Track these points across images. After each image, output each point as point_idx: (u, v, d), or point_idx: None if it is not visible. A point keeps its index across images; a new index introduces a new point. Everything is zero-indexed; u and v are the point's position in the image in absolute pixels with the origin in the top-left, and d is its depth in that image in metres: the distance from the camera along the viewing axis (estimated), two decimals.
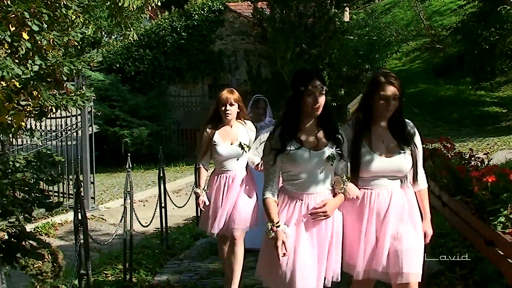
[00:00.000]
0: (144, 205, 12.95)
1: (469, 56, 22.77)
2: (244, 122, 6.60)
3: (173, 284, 7.38)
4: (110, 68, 21.64)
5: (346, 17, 25.22)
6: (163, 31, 22.08)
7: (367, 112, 4.50)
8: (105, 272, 7.90)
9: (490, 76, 22.81)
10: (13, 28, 4.92)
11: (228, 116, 6.39)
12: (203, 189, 6.45)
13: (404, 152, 4.45)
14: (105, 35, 28.33)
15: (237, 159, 6.44)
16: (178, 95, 22.36)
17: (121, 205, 9.06)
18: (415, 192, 4.59)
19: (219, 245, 6.87)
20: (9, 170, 5.18)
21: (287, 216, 4.41)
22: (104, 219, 12.20)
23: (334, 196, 4.45)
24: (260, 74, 20.62)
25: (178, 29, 22.05)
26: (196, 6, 22.32)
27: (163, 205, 9.10)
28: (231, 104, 6.38)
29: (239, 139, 6.43)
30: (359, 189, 4.47)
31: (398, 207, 4.45)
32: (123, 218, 7.32)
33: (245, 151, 6.45)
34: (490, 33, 21.04)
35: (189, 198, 10.26)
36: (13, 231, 5.02)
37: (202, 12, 22.16)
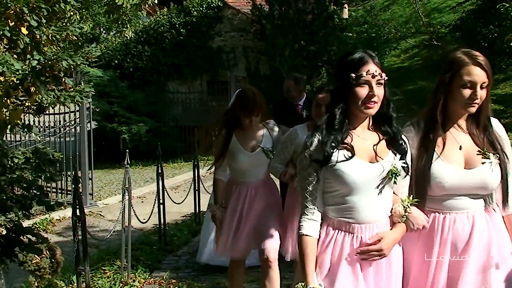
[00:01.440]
0: (142, 202, 12.94)
1: None
2: (265, 123, 5.67)
3: (171, 280, 7.39)
4: (108, 64, 21.60)
5: (345, 14, 25.22)
6: (162, 28, 22.04)
7: (440, 108, 3.38)
8: (103, 268, 7.90)
9: None
10: (12, 23, 4.91)
11: (251, 126, 5.51)
12: (221, 205, 5.57)
13: (490, 162, 3.33)
14: (104, 32, 28.28)
15: (260, 168, 5.60)
16: (176, 92, 22.33)
17: (119, 202, 9.07)
18: (502, 217, 3.47)
19: (231, 270, 5.95)
20: (8, 166, 5.18)
21: (333, 257, 3.22)
22: (102, 216, 12.19)
23: (391, 224, 3.30)
24: (259, 71, 20.59)
25: (177, 26, 22.01)
26: (194, 2, 22.27)
27: (161, 201, 9.09)
28: (257, 115, 5.45)
29: (261, 144, 5.53)
30: (427, 213, 3.36)
31: (482, 237, 3.32)
32: (121, 215, 7.32)
33: (269, 158, 5.52)
34: (489, 31, 21.06)
35: (187, 195, 10.27)
36: (11, 226, 5.02)
37: (201, 8, 22.12)
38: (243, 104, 5.45)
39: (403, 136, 3.33)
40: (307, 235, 3.18)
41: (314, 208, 3.22)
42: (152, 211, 8.87)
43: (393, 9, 35.22)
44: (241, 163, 5.55)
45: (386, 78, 3.18)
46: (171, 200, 9.65)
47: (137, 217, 7.92)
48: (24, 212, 5.22)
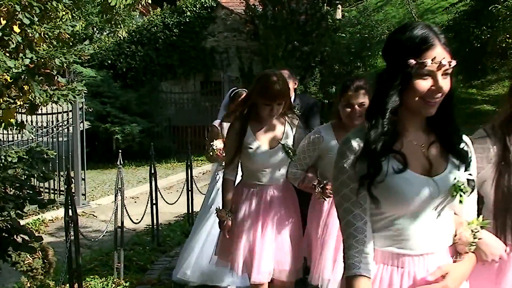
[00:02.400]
0: (135, 202, 12.91)
1: (460, 54, 22.79)
2: (286, 116, 4.88)
3: (164, 281, 7.35)
4: (101, 64, 21.55)
5: (338, 15, 25.19)
6: (155, 28, 22.01)
7: None
8: (96, 268, 7.87)
9: (481, 74, 22.93)
10: (4, 21, 4.88)
11: (272, 116, 4.73)
12: (230, 210, 4.76)
13: None
14: (97, 31, 28.23)
15: (279, 169, 4.78)
16: (169, 92, 22.29)
17: (112, 202, 9.03)
18: None
19: None
20: (1, 165, 5.15)
21: None
22: (95, 216, 12.15)
23: (455, 256, 2.53)
24: (252, 71, 20.56)
25: (170, 26, 21.98)
26: (188, 2, 22.26)
27: (154, 202, 9.06)
28: (279, 104, 4.64)
29: (282, 141, 4.75)
30: (506, 243, 2.73)
31: None
32: (114, 215, 7.29)
33: (291, 158, 4.71)
34: (482, 32, 21.12)
35: (180, 195, 10.24)
36: (5, 225, 4.99)
37: (194, 8, 22.10)
38: (263, 88, 4.59)
39: (465, 139, 2.62)
40: (362, 276, 2.34)
41: (365, 237, 2.37)
42: (145, 212, 8.84)
43: (386, 10, 35.28)
44: (256, 161, 4.74)
45: (455, 64, 2.37)
46: (164, 200, 9.62)
47: (129, 218, 7.89)
48: (17, 211, 5.18)
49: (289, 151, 4.72)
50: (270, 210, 4.76)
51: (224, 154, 6.09)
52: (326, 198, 4.51)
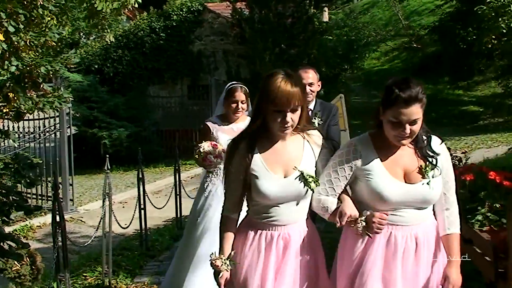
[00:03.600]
0: (123, 207, 12.89)
1: (447, 56, 22.95)
2: (305, 132, 3.70)
3: (153, 285, 7.35)
4: (88, 69, 21.52)
5: (325, 17, 25.31)
6: (142, 32, 22.01)
7: None
8: (84, 274, 7.85)
9: (468, 75, 23.08)
10: None
11: (286, 129, 3.50)
12: (229, 258, 3.59)
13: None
14: (83, 36, 28.16)
15: (297, 203, 3.58)
16: (157, 96, 22.28)
17: (100, 207, 9.02)
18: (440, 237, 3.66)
19: None
20: None
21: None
22: (83, 221, 12.12)
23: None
24: (240, 75, 20.59)
25: (157, 30, 21.98)
26: (174, 6, 22.27)
27: (142, 206, 9.06)
28: (293, 110, 3.47)
29: (299, 166, 3.57)
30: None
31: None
32: (102, 220, 7.29)
33: (311, 189, 3.54)
34: (468, 33, 21.27)
35: (168, 199, 10.24)
36: None
37: (181, 12, 22.11)
38: (271, 89, 3.45)
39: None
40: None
41: None
42: (133, 216, 8.83)
43: (372, 12, 35.43)
44: (267, 194, 3.54)
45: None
46: (152, 205, 9.61)
47: (118, 223, 7.88)
48: (3, 218, 5.18)
49: (310, 180, 3.55)
50: (286, 261, 3.59)
51: (212, 159, 5.91)
52: (372, 235, 3.46)
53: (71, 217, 12.02)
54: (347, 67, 23.57)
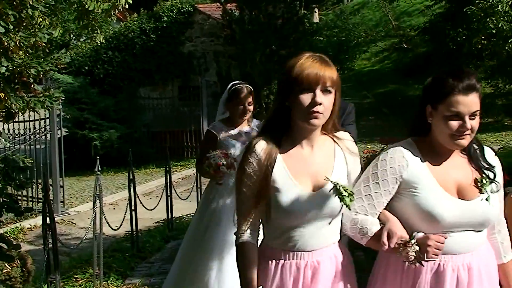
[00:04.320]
0: (114, 208, 12.87)
1: (436, 56, 23.01)
2: (334, 135, 2.96)
3: (144, 287, 7.35)
4: (78, 71, 21.48)
5: (315, 18, 25.36)
6: (132, 33, 21.97)
7: None
8: (75, 276, 7.83)
9: None
10: None
11: (315, 116, 2.75)
12: None
13: None
14: (74, 38, 28.12)
15: (329, 223, 2.86)
16: (147, 97, 22.24)
17: (91, 209, 9.02)
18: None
19: None
20: None
21: None
22: (74, 223, 12.08)
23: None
24: (230, 76, 20.55)
25: (147, 31, 21.96)
26: (165, 7, 22.25)
27: (133, 208, 9.04)
28: (325, 92, 2.77)
29: (331, 176, 2.83)
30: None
31: None
32: (92, 222, 7.27)
33: (347, 205, 2.78)
34: (457, 33, 21.31)
35: (159, 201, 10.23)
36: None
37: (171, 14, 22.09)
38: (297, 68, 2.75)
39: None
40: None
41: None
42: (124, 218, 8.81)
43: (363, 13, 35.50)
44: (292, 213, 2.77)
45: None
46: (143, 206, 9.60)
47: (108, 224, 7.86)
48: None
49: (345, 193, 2.75)
50: None
51: (225, 170, 5.31)
52: (423, 263, 2.78)
53: (62, 219, 11.99)
54: (338, 68, 23.47)
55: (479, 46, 19.38)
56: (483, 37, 18.28)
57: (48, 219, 6.02)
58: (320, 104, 2.72)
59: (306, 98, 2.72)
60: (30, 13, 5.18)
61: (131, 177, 8.97)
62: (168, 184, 10.28)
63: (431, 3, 24.55)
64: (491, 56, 20.73)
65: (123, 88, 21.75)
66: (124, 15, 24.39)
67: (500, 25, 16.22)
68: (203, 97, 19.80)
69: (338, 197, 2.77)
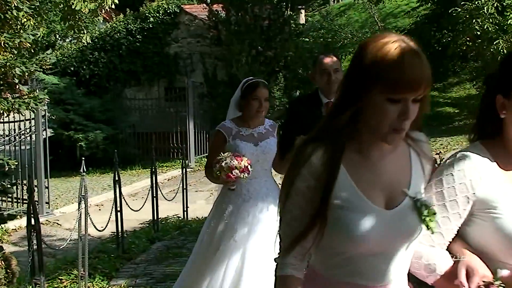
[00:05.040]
0: (100, 209, 12.82)
1: None
2: (409, 136, 2.21)
3: None
4: (64, 72, 21.42)
5: (302, 19, 25.37)
6: (118, 34, 21.93)
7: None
8: (60, 277, 7.79)
9: (443, 77, 23.28)
10: None
11: (401, 132, 2.05)
12: None
13: None
14: (59, 38, 28.04)
15: (406, 248, 2.13)
16: (133, 98, 22.20)
17: (76, 210, 8.98)
18: None
19: None
20: None
21: None
22: (59, 224, 12.03)
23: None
24: (216, 77, 20.62)
25: (133, 32, 21.92)
26: (151, 8, 22.22)
27: (118, 209, 9.02)
28: (417, 101, 2.03)
29: (410, 190, 2.13)
30: None
31: None
32: (77, 223, 7.25)
33: (429, 227, 2.04)
34: (443, 35, 21.49)
35: (145, 202, 10.21)
36: None
37: (157, 14, 22.07)
38: (387, 62, 1.99)
39: None
40: None
41: None
42: (109, 219, 8.78)
43: (349, 14, 35.53)
44: (364, 239, 2.06)
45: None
46: (129, 207, 9.57)
47: (94, 225, 7.83)
48: None
49: (427, 211, 2.05)
50: None
51: (239, 174, 4.75)
52: None
53: (47, 220, 11.94)
54: None
55: (464, 48, 19.51)
56: (468, 39, 18.39)
57: (32, 220, 6.00)
58: (409, 118, 2.02)
59: (391, 110, 1.99)
60: (15, 14, 5.17)
61: (117, 178, 8.95)
62: (154, 185, 10.27)
63: (417, 5, 24.68)
64: (476, 58, 20.88)
65: (109, 89, 21.73)
66: (110, 15, 24.31)
67: (485, 27, 16.34)
68: (189, 98, 19.78)
69: (418, 217, 2.06)
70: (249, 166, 4.76)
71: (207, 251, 5.10)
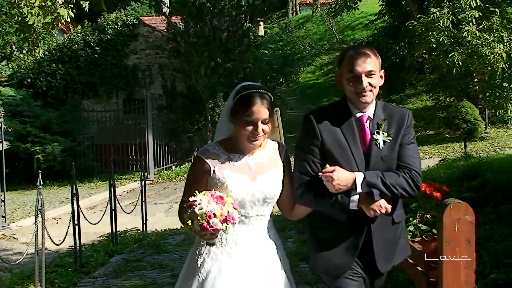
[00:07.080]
0: (57, 223, 12.69)
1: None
2: None
3: None
4: (21, 83, 21.18)
5: (261, 31, 25.54)
6: (76, 45, 21.76)
7: None
8: None
9: (400, 88, 23.63)
10: None
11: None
12: None
13: None
14: (16, 50, 27.73)
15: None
16: (92, 110, 22.04)
17: (33, 223, 8.88)
18: None
19: None
20: None
21: None
22: (15, 238, 11.88)
23: None
24: (175, 89, 20.58)
25: (91, 43, 21.77)
26: (109, 20, 22.12)
27: (76, 222, 8.92)
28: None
29: None
30: None
31: None
32: (34, 237, 7.16)
33: None
34: (400, 47, 21.82)
35: (103, 214, 10.13)
36: None
37: (116, 26, 21.96)
38: None
39: None
40: None
41: None
42: (67, 232, 8.69)
43: (307, 27, 35.85)
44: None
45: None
46: (87, 220, 9.48)
47: (51, 239, 7.75)
48: None
49: None
50: None
51: (218, 224, 3.17)
52: None
53: (3, 234, 11.78)
54: (283, 81, 23.77)
55: (420, 60, 19.83)
56: (424, 51, 18.71)
57: None
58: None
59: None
60: None
61: (74, 191, 8.86)
62: (112, 197, 10.19)
63: (374, 18, 25.02)
64: (432, 70, 21.23)
65: (66, 101, 21.54)
66: (68, 27, 24.16)
67: (441, 39, 16.63)
68: (148, 110, 19.70)
69: None
70: (234, 212, 3.26)
71: None
